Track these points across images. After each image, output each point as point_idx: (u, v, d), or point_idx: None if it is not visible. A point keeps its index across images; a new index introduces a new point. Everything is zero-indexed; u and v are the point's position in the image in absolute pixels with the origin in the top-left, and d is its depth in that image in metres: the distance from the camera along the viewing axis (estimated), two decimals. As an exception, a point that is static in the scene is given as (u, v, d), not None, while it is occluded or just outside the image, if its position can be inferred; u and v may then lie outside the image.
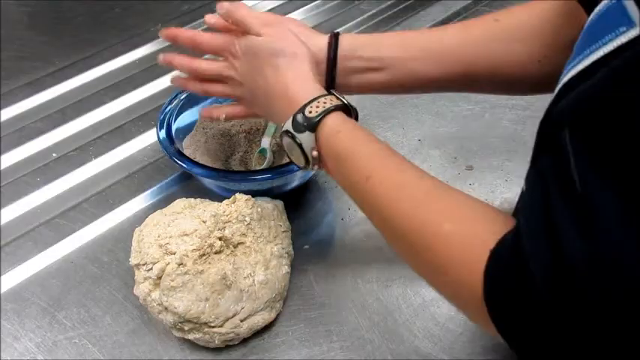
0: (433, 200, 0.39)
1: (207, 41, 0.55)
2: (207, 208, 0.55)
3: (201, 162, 0.60)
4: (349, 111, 0.48)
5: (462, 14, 0.97)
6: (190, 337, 0.52)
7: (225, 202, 0.56)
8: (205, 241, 0.52)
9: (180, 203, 0.56)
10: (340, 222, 0.64)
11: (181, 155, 0.60)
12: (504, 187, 0.68)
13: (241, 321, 0.52)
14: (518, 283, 0.30)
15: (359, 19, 0.96)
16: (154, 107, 0.80)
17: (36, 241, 0.63)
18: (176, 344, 0.54)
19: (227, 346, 0.53)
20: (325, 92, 0.48)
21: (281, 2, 1.00)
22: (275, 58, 0.50)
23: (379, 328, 0.54)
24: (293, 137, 0.46)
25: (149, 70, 0.86)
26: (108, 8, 0.98)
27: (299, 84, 0.49)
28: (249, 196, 0.56)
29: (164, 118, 0.64)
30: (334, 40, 0.52)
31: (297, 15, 0.97)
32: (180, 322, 0.51)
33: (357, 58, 0.52)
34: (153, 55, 0.89)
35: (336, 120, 0.46)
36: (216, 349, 0.53)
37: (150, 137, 0.75)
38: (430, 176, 0.41)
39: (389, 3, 0.99)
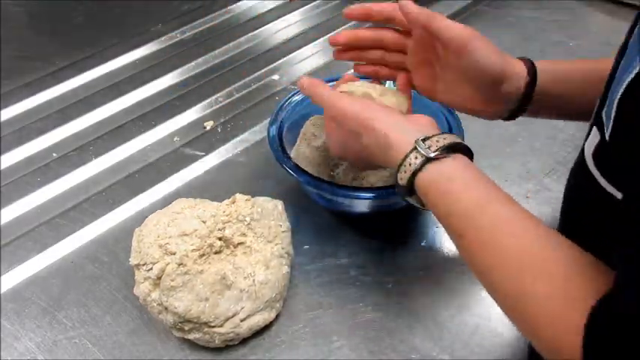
0: (529, 255, 0.37)
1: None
2: (207, 208, 0.55)
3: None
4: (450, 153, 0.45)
5: (462, 14, 0.97)
6: (190, 337, 0.52)
7: (225, 202, 0.56)
8: (205, 241, 0.52)
9: (180, 203, 0.56)
10: (340, 222, 0.64)
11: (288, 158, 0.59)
12: (504, 187, 0.67)
13: (241, 321, 0.52)
14: (621, 345, 0.29)
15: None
16: (154, 107, 0.80)
17: (36, 241, 0.63)
18: (176, 344, 0.54)
19: (227, 346, 0.53)
20: (408, 149, 0.44)
21: (281, 2, 1.00)
22: (356, 142, 0.50)
23: (379, 328, 0.54)
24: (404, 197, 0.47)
25: (149, 70, 0.86)
26: (108, 8, 0.98)
27: (387, 151, 0.47)
28: (249, 196, 0.56)
29: (277, 116, 0.63)
30: (532, 73, 0.50)
31: (297, 15, 0.97)
32: (180, 322, 0.51)
33: (546, 99, 0.51)
34: (153, 55, 0.89)
35: (423, 180, 0.44)
36: (216, 349, 0.53)
37: (150, 137, 0.75)
38: (531, 222, 0.39)
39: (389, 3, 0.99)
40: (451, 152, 0.44)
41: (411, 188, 0.45)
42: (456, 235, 0.42)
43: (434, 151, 0.43)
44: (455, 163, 0.43)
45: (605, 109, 0.37)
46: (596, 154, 0.38)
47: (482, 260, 0.39)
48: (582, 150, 0.41)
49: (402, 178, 0.45)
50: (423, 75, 0.55)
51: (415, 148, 0.44)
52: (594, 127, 0.38)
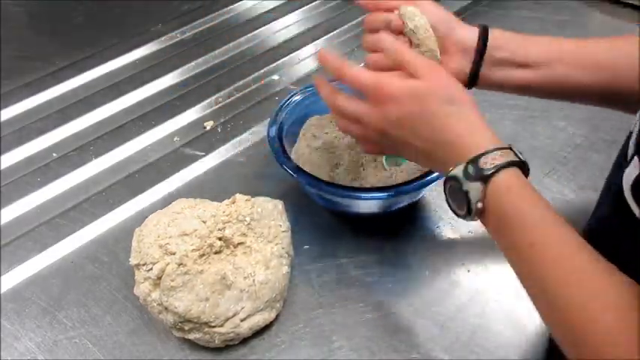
0: (594, 282, 0.36)
1: (353, 76, 0.50)
2: (207, 208, 0.55)
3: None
4: (524, 169, 0.45)
5: (462, 14, 0.97)
6: (190, 337, 0.52)
7: (225, 202, 0.56)
8: (205, 241, 0.52)
9: (180, 203, 0.56)
10: (340, 222, 0.64)
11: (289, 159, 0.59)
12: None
13: (241, 321, 0.52)
14: None
15: (359, 19, 0.96)
16: (154, 107, 0.80)
17: (36, 241, 0.63)
18: (176, 344, 0.54)
19: (227, 346, 0.53)
20: (501, 145, 0.44)
21: (281, 2, 1.00)
22: (447, 106, 0.46)
23: (379, 328, 0.54)
24: (460, 184, 0.44)
25: (149, 70, 0.86)
26: (108, 8, 0.98)
27: (473, 133, 0.46)
28: (249, 196, 0.56)
29: (277, 117, 0.63)
30: (483, 30, 0.52)
31: (297, 15, 0.97)
32: (180, 322, 0.51)
33: (505, 50, 0.52)
34: (153, 55, 0.89)
35: (510, 177, 0.43)
36: (217, 349, 0.53)
37: (150, 137, 0.75)
38: (598, 257, 0.38)
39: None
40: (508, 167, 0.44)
41: (487, 177, 0.42)
42: (524, 241, 0.40)
43: (524, 160, 0.44)
44: (513, 180, 0.43)
45: None
46: (636, 187, 0.37)
47: (548, 274, 0.38)
48: (620, 177, 0.39)
49: (488, 162, 0.42)
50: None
51: (510, 148, 0.44)
52: (635, 156, 0.37)
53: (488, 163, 0.43)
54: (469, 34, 0.53)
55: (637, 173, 0.36)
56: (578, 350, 0.36)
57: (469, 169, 0.43)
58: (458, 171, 0.44)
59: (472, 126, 0.46)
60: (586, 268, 0.37)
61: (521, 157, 0.44)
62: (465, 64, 0.53)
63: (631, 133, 0.40)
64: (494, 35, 0.53)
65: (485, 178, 0.42)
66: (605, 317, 0.34)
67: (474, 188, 0.43)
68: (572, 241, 0.39)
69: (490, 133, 0.46)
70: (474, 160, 0.43)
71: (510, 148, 0.44)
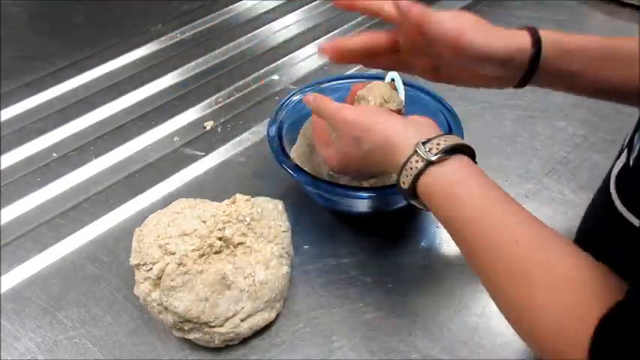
0: (534, 262, 0.36)
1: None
2: (207, 208, 0.55)
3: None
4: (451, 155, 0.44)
5: (462, 14, 0.96)
6: (190, 337, 0.52)
7: (225, 202, 0.56)
8: (205, 241, 0.52)
9: (180, 203, 0.56)
10: (340, 222, 0.64)
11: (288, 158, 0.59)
12: (504, 187, 0.67)
13: (241, 321, 0.52)
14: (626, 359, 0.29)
15: (359, 19, 0.96)
16: (154, 107, 0.80)
17: (36, 241, 0.63)
18: (176, 344, 0.54)
19: (227, 346, 0.53)
20: (409, 152, 0.44)
21: (281, 2, 1.00)
22: (357, 147, 0.49)
23: (379, 328, 0.54)
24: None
25: (149, 70, 0.86)
26: (108, 8, 0.98)
27: (387, 155, 0.47)
28: (249, 196, 0.56)
29: (277, 116, 0.63)
30: (537, 43, 0.48)
31: (297, 15, 0.97)
32: (180, 322, 0.51)
33: (554, 70, 0.49)
34: (153, 55, 0.89)
35: (426, 184, 0.43)
36: (216, 349, 0.53)
37: (150, 137, 0.75)
38: (538, 227, 0.38)
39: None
40: (453, 154, 0.43)
41: (413, 192, 0.44)
42: (460, 240, 0.41)
43: (435, 154, 0.42)
44: (457, 165, 0.43)
45: (638, 132, 0.36)
46: (619, 179, 0.37)
47: (487, 267, 0.39)
48: (610, 170, 0.39)
49: (405, 182, 0.44)
50: (422, 67, 0.54)
51: (416, 152, 0.43)
52: (626, 149, 0.37)
53: (406, 182, 0.44)
54: (522, 56, 0.49)
55: (623, 162, 0.36)
56: (524, 335, 0.37)
57: (400, 192, 0.46)
58: (401, 191, 0.46)
59: (384, 148, 0.47)
60: (514, 253, 0.37)
61: (426, 156, 0.43)
62: (513, 78, 0.51)
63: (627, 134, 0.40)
64: (547, 50, 0.49)
65: (412, 196, 0.45)
66: (543, 298, 0.34)
67: (416, 203, 0.46)
68: (498, 229, 0.39)
69: (398, 141, 0.46)
70: (398, 185, 0.45)
71: (416, 151, 0.43)
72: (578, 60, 0.49)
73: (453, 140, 0.44)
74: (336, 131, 0.52)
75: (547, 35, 0.49)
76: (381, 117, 0.49)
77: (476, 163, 0.45)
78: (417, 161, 0.43)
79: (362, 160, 0.50)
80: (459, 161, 0.43)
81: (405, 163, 0.44)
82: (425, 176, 0.43)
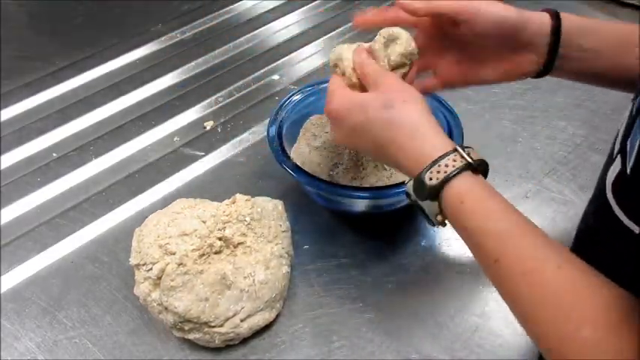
0: (569, 296, 0.34)
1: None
2: (207, 208, 0.55)
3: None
4: (479, 168, 0.42)
5: (462, 14, 0.96)
6: (190, 337, 0.52)
7: (225, 202, 0.56)
8: (205, 241, 0.52)
9: (180, 203, 0.57)
10: (340, 222, 0.64)
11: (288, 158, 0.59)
12: (504, 187, 0.68)
13: (241, 321, 0.52)
14: None
15: (359, 19, 0.96)
16: (154, 107, 0.80)
17: (36, 241, 0.63)
18: (176, 344, 0.54)
19: (227, 346, 0.53)
20: (444, 149, 0.41)
21: (281, 2, 1.00)
22: (386, 111, 0.44)
23: (379, 328, 0.54)
24: (415, 201, 0.43)
25: (149, 70, 0.86)
26: (108, 8, 0.98)
27: (414, 138, 0.43)
28: (249, 196, 0.56)
29: (277, 116, 0.63)
30: (556, 21, 0.48)
31: (297, 15, 0.97)
32: (180, 322, 0.51)
33: (576, 48, 0.48)
34: (153, 55, 0.89)
35: (460, 186, 0.40)
36: (217, 349, 0.53)
37: (150, 137, 0.75)
38: (570, 261, 0.36)
39: (389, 3, 0.99)
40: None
41: (436, 191, 0.41)
42: (489, 258, 0.38)
43: (474, 159, 0.40)
44: (484, 180, 0.41)
45: (630, 138, 0.35)
46: (616, 185, 0.36)
47: (519, 290, 0.36)
48: (603, 175, 0.39)
49: (433, 177, 0.40)
50: (445, 65, 0.54)
51: (456, 150, 0.41)
52: (619, 155, 0.36)
53: (433, 177, 0.41)
54: (541, 28, 0.48)
55: (619, 169, 0.36)
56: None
57: (418, 187, 0.42)
58: (409, 188, 0.43)
59: (413, 130, 0.43)
60: (557, 279, 0.35)
61: (468, 158, 0.41)
62: (537, 58, 0.50)
63: (618, 132, 0.39)
64: (566, 28, 0.48)
65: (434, 195, 0.41)
66: (582, 334, 0.33)
67: (427, 205, 0.42)
68: (538, 250, 0.37)
69: (433, 133, 0.43)
70: (419, 178, 0.41)
71: (456, 150, 0.41)
72: (601, 37, 0.48)
73: (459, 162, 0.41)
74: (369, 89, 0.48)
75: (567, 15, 0.49)
76: (426, 104, 0.45)
77: None
78: (454, 160, 0.40)
79: (379, 128, 0.45)
80: (464, 183, 0.41)
81: (440, 159, 0.41)
82: (460, 179, 0.40)
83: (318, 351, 0.53)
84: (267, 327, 0.54)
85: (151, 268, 0.51)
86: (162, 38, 0.92)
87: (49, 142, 0.75)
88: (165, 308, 0.51)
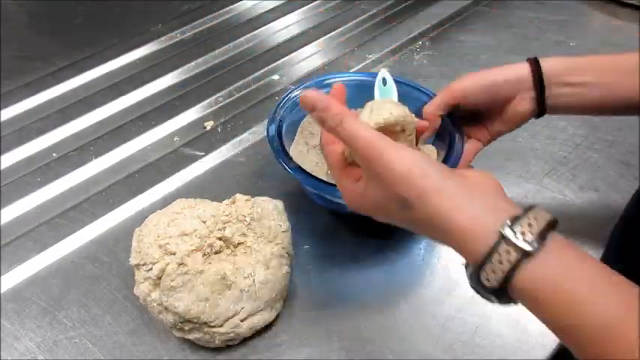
0: None
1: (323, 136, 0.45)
2: (207, 208, 0.55)
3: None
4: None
5: (463, 14, 0.97)
6: (190, 337, 0.52)
7: (225, 202, 0.56)
8: (205, 241, 0.52)
9: (180, 203, 0.56)
10: (340, 222, 0.64)
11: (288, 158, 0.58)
12: (504, 187, 0.68)
13: (241, 321, 0.52)
14: None
15: (359, 19, 0.96)
16: (154, 107, 0.80)
17: (36, 241, 0.63)
18: (176, 344, 0.54)
19: (227, 346, 0.53)
20: (493, 238, 0.34)
21: (281, 2, 1.00)
22: (406, 212, 0.38)
23: (379, 328, 0.54)
24: (477, 290, 0.37)
25: (149, 70, 0.86)
26: (108, 8, 0.98)
27: (449, 237, 0.37)
28: (249, 196, 0.56)
29: (275, 115, 0.63)
30: (536, 66, 0.53)
31: (297, 15, 0.97)
32: (180, 322, 0.51)
33: (564, 85, 0.53)
34: (153, 55, 0.89)
35: (525, 282, 0.33)
36: (217, 349, 0.53)
37: (150, 137, 0.75)
38: None
39: (389, 3, 0.99)
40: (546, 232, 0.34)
41: (502, 289, 0.35)
42: (588, 354, 0.33)
43: (531, 241, 0.33)
44: (562, 252, 0.34)
45: None
46: None
47: None
48: None
49: (491, 279, 0.34)
50: (473, 130, 0.60)
51: (504, 238, 0.34)
52: None
53: (490, 278, 0.34)
54: (520, 77, 0.54)
55: None
56: None
57: (477, 287, 0.36)
58: (468, 277, 0.37)
59: (445, 228, 0.37)
60: None
61: (522, 243, 0.33)
62: (528, 103, 0.55)
63: None
64: (547, 69, 0.53)
65: (499, 294, 0.35)
66: None
67: (492, 297, 0.36)
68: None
69: (466, 220, 0.36)
70: (475, 280, 0.36)
71: (503, 238, 0.34)
72: (585, 70, 0.52)
73: (542, 216, 0.35)
74: (367, 174, 0.40)
75: (548, 59, 0.54)
76: (442, 179, 0.37)
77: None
78: (507, 252, 0.33)
79: (403, 222, 0.40)
80: (559, 244, 0.35)
81: (490, 255, 0.34)
82: (522, 271, 0.33)
83: (318, 351, 0.53)
84: (267, 327, 0.54)
85: (151, 268, 0.51)
86: (162, 38, 0.92)
87: (49, 142, 0.75)
88: (166, 308, 0.51)
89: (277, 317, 0.55)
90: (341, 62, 0.87)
